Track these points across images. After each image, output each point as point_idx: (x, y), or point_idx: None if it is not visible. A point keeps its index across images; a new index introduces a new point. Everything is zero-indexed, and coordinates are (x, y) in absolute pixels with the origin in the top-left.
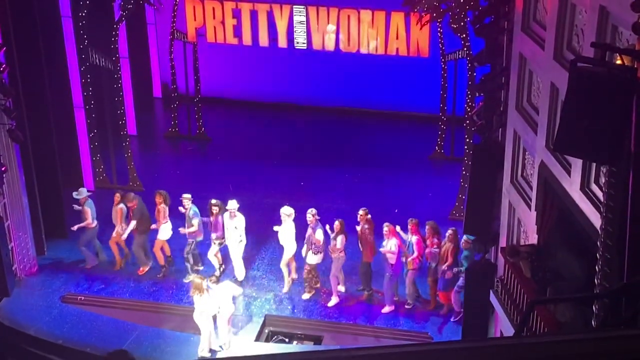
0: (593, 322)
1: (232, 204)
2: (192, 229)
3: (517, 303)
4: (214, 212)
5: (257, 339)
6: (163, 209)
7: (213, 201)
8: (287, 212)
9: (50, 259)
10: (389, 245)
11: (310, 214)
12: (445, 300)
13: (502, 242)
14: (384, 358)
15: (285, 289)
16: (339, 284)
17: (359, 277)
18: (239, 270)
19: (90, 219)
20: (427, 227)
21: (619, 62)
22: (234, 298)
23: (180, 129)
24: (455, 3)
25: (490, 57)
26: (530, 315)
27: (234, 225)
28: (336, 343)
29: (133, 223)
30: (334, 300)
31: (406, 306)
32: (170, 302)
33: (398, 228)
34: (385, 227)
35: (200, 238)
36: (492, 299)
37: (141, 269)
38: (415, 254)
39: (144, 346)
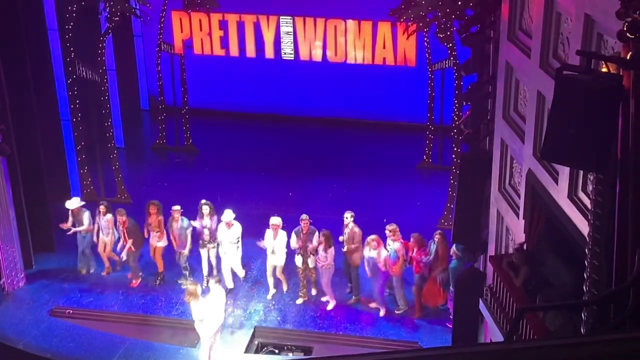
0: (582, 329)
1: (228, 215)
2: (188, 240)
3: (507, 311)
4: (205, 212)
5: (247, 350)
6: (158, 219)
7: (204, 201)
8: (277, 223)
9: (38, 273)
10: (381, 255)
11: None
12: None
13: (491, 251)
14: None
15: (270, 297)
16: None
17: (348, 281)
18: (230, 279)
19: (89, 224)
20: (411, 239)
21: (604, 69)
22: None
23: (168, 141)
24: (442, 13)
25: (476, 66)
26: (519, 323)
27: (230, 234)
28: (326, 353)
29: (130, 242)
30: (332, 304)
31: (396, 311)
32: (159, 315)
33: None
34: (373, 241)
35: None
36: (482, 307)
37: (134, 281)
38: (400, 260)
39: (133, 359)
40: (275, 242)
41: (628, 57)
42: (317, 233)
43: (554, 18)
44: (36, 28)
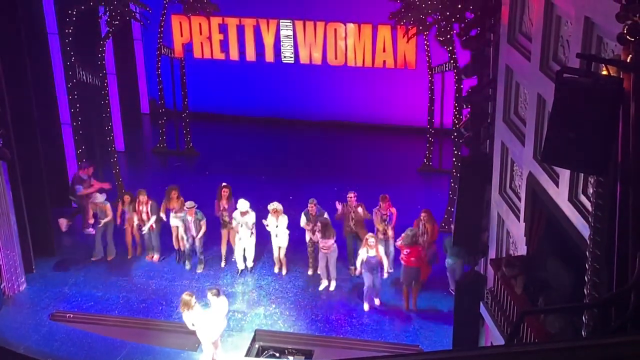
0: (583, 332)
1: (243, 204)
2: (203, 230)
3: (507, 314)
4: (224, 195)
5: (248, 354)
6: (180, 201)
7: (224, 184)
8: (277, 208)
9: (39, 277)
10: (380, 251)
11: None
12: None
13: (492, 254)
14: None
15: (277, 270)
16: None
17: (350, 255)
18: (241, 261)
19: (112, 214)
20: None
21: (605, 72)
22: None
23: (168, 145)
24: (442, 16)
25: (476, 69)
26: (520, 326)
27: (245, 221)
28: (327, 357)
29: (153, 218)
30: (333, 284)
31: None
32: (159, 319)
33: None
34: (372, 238)
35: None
36: (482, 310)
37: (155, 257)
38: (394, 224)
39: None
40: (278, 226)
41: (628, 60)
42: (326, 214)
43: (554, 21)
44: (36, 32)
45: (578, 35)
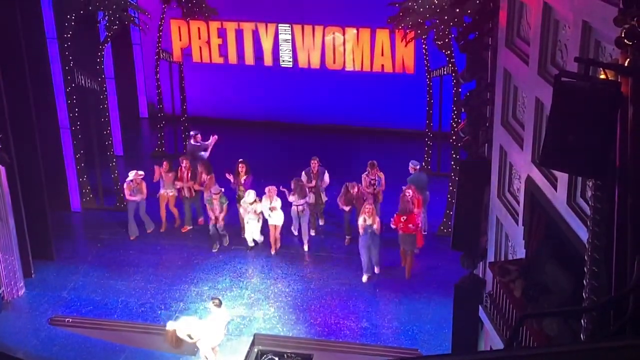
0: (581, 336)
1: (251, 196)
2: (224, 213)
3: (507, 318)
4: (241, 171)
5: (247, 358)
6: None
7: (241, 160)
8: (272, 190)
9: (38, 282)
10: (376, 222)
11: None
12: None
13: (490, 257)
14: None
15: (273, 252)
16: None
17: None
18: (250, 241)
19: (146, 192)
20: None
21: (603, 76)
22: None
23: (167, 149)
24: (440, 20)
25: (474, 73)
26: (519, 330)
27: (253, 209)
28: None
29: (191, 183)
30: (306, 246)
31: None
32: (158, 323)
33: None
34: (369, 206)
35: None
36: (481, 314)
37: (185, 227)
38: (383, 187)
39: None
40: (274, 206)
41: (626, 64)
42: (326, 172)
43: (552, 25)
44: (35, 37)
45: (576, 40)
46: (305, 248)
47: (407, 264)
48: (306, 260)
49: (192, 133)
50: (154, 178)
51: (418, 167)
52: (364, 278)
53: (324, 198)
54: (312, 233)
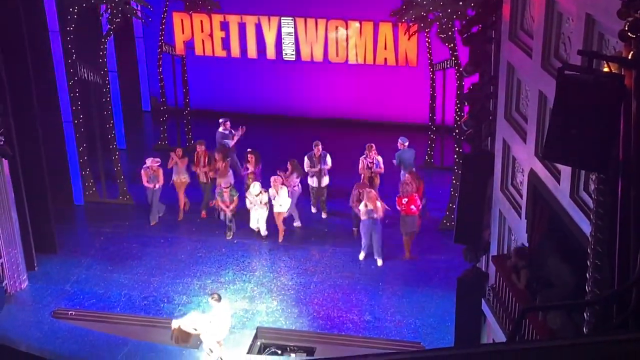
0: (584, 329)
1: (256, 188)
2: (234, 205)
3: (509, 311)
4: (251, 160)
5: (249, 351)
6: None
7: (250, 150)
8: (278, 180)
9: (41, 274)
10: (378, 209)
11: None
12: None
13: (493, 251)
14: None
15: (280, 240)
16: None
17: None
18: (255, 226)
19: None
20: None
21: (606, 69)
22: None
23: (170, 142)
24: (443, 13)
25: (477, 66)
26: (522, 323)
27: (258, 200)
28: (329, 354)
29: (207, 168)
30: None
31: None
32: (161, 316)
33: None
34: (372, 192)
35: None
36: (484, 307)
37: (203, 212)
38: (382, 170)
39: None
40: (279, 195)
41: (630, 57)
42: (328, 155)
43: (555, 18)
44: (37, 30)
45: (579, 32)
46: (296, 224)
47: (407, 244)
48: (310, 253)
49: (221, 120)
50: (169, 165)
51: (407, 143)
52: (361, 255)
53: (326, 181)
54: (324, 215)
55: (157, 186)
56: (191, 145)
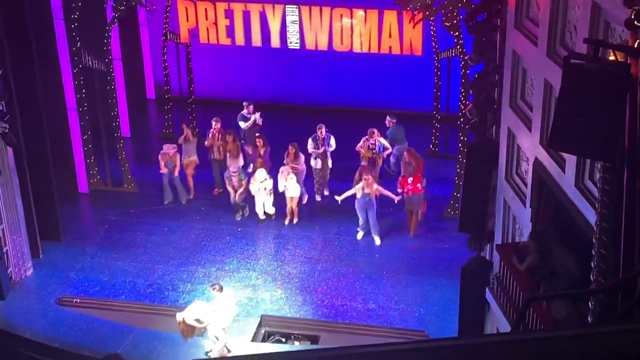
0: (589, 318)
1: (261, 174)
2: (244, 187)
3: (513, 300)
4: (259, 144)
5: (254, 339)
6: (235, 145)
7: (258, 134)
8: (286, 171)
9: (46, 262)
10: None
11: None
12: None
13: (497, 240)
14: (381, 356)
15: (287, 222)
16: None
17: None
18: (261, 213)
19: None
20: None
21: (612, 58)
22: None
23: (174, 130)
24: (448, 1)
25: (482, 55)
26: (526, 312)
27: (263, 187)
28: (333, 342)
29: (220, 143)
30: (305, 197)
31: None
32: (166, 304)
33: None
34: (369, 178)
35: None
36: (488, 296)
37: (215, 190)
38: (384, 156)
39: (140, 348)
40: (288, 182)
41: (636, 45)
42: (332, 137)
43: (561, 6)
44: (42, 17)
45: (585, 21)
46: (304, 200)
47: (413, 223)
48: (314, 242)
49: (245, 103)
50: (180, 140)
51: (395, 120)
52: (359, 235)
53: (330, 164)
54: (326, 193)
55: (176, 172)
56: (195, 134)
